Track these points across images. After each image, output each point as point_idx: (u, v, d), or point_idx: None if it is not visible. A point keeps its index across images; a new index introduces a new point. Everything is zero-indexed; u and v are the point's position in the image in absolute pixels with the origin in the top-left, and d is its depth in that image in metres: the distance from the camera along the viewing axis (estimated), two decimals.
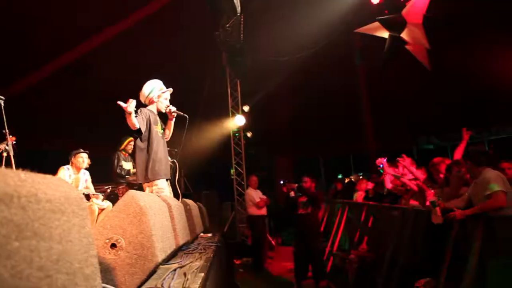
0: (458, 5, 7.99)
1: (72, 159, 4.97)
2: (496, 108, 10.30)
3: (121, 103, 3.36)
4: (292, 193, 6.04)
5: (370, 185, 7.30)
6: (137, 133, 3.69)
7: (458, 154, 5.35)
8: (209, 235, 4.71)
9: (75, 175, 4.98)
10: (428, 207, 4.06)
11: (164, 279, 2.03)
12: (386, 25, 7.34)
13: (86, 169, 5.15)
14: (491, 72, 9.59)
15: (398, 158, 5.46)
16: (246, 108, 10.22)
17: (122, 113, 3.45)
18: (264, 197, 8.23)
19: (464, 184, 4.05)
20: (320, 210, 6.76)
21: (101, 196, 5.04)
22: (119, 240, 1.90)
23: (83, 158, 5.00)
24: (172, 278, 2.08)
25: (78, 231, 0.86)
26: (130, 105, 3.39)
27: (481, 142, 11.25)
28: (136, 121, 3.53)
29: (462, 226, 3.59)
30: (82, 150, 5.02)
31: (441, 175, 4.93)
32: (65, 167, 4.92)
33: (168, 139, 4.11)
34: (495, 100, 9.95)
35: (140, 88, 3.88)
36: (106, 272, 1.80)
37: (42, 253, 0.68)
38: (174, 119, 4.02)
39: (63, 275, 0.73)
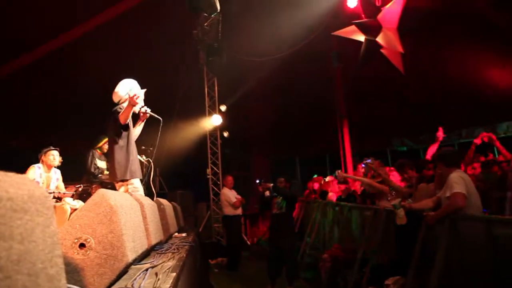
0: (430, 11, 8.24)
1: (42, 157, 4.81)
2: (466, 111, 10.67)
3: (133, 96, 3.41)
4: (267, 193, 6.05)
5: (342, 187, 7.44)
6: (125, 128, 3.66)
7: (430, 153, 5.55)
8: (184, 234, 4.68)
9: (46, 174, 4.83)
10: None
11: (134, 279, 2.01)
12: (362, 29, 7.48)
13: (57, 167, 5.00)
14: (462, 77, 9.94)
15: (367, 162, 5.61)
16: (223, 108, 10.20)
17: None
18: (239, 197, 8.25)
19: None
20: (294, 210, 6.82)
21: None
22: (88, 239, 1.87)
23: (54, 156, 4.84)
24: (143, 278, 2.06)
25: (42, 230, 0.84)
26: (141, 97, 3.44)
27: (451, 145, 11.61)
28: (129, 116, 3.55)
29: (429, 226, 3.71)
30: (52, 148, 4.87)
31: (406, 175, 5.10)
32: (36, 165, 4.75)
33: (135, 139, 4.07)
34: (466, 104, 10.31)
35: (113, 86, 3.82)
36: (74, 272, 1.76)
37: (1, 253, 0.66)
38: (145, 120, 4.01)
39: (24, 276, 0.71)
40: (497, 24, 7.89)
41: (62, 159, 5.00)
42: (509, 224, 2.76)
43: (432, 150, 5.62)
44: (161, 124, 3.98)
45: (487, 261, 2.92)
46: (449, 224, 3.36)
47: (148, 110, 3.91)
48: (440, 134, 5.59)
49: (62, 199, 4.61)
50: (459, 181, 3.36)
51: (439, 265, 3.30)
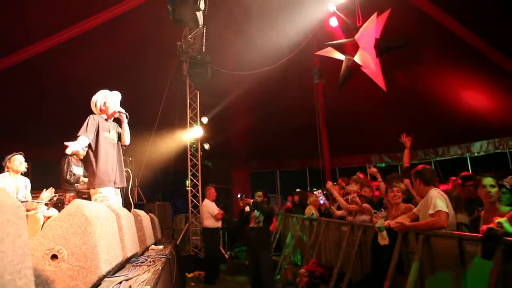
0: (407, 29, 8.48)
1: (7, 164, 4.70)
2: (442, 131, 10.99)
3: (67, 143, 3.39)
4: (247, 208, 6.06)
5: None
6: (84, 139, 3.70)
7: (405, 161, 5.69)
8: (161, 247, 4.62)
9: (14, 182, 4.71)
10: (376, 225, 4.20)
11: None
12: (339, 49, 7.61)
13: (25, 175, 4.88)
14: (438, 98, 10.26)
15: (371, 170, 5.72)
16: (204, 120, 10.18)
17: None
18: (221, 210, 8.23)
19: (402, 201, 4.26)
20: (272, 224, 6.83)
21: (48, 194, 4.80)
22: (61, 251, 1.83)
23: (20, 161, 4.74)
24: None
25: (12, 241, 0.83)
26: (68, 149, 3.42)
27: (428, 163, 11.89)
28: (80, 146, 3.61)
29: (404, 242, 3.77)
30: (16, 153, 4.78)
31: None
32: (1, 175, 4.64)
33: (126, 143, 4.09)
34: (442, 124, 10.62)
35: (93, 91, 3.86)
36: (44, 285, 1.72)
37: None
38: (126, 121, 4.03)
39: None
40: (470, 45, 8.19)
41: (41, 166, 4.92)
42: (479, 242, 2.84)
43: (407, 156, 5.76)
44: (127, 119, 4.05)
45: (457, 275, 2.99)
46: (423, 241, 3.42)
47: (122, 110, 3.99)
48: (405, 139, 5.74)
49: (35, 208, 4.49)
50: (442, 199, 3.42)
51: (413, 280, 3.35)
